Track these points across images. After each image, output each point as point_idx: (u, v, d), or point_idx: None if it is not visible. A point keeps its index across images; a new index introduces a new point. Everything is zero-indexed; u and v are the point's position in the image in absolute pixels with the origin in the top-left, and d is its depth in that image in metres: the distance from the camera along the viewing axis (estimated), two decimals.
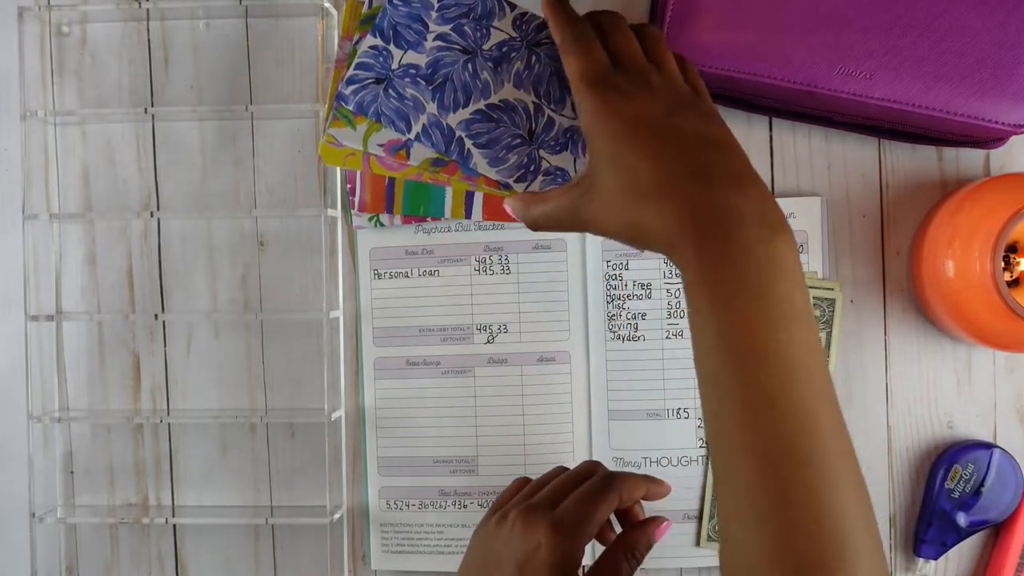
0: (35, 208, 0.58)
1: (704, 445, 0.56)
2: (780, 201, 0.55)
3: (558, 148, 0.50)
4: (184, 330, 0.59)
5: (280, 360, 0.58)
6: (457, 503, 0.57)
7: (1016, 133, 0.50)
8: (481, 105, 0.49)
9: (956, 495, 0.54)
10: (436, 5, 0.49)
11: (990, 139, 0.53)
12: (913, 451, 0.56)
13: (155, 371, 0.59)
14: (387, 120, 0.49)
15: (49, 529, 0.59)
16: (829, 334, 0.55)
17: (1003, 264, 0.50)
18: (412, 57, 0.49)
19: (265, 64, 0.58)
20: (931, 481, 0.55)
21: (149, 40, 0.58)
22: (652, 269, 0.56)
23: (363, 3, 0.51)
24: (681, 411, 0.56)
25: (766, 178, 0.56)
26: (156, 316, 0.58)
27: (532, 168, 0.50)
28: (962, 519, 0.54)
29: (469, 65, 0.49)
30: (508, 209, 0.49)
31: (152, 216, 0.58)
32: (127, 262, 0.59)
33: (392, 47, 0.49)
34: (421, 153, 0.51)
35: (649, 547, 0.49)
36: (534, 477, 0.52)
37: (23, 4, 0.57)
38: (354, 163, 0.52)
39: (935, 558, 0.55)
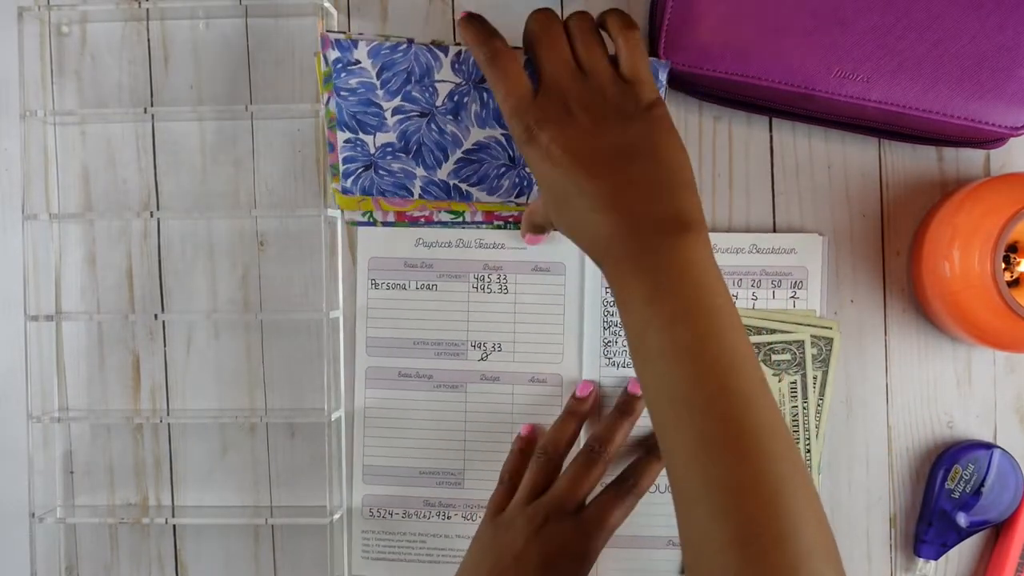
0: (35, 208, 0.58)
1: None
2: (781, 237, 0.55)
3: None
4: (184, 330, 0.59)
5: (280, 360, 0.58)
6: (441, 514, 0.57)
7: (1014, 135, 0.50)
8: (459, 154, 0.53)
9: (956, 495, 0.54)
10: (378, 83, 0.52)
11: (989, 140, 0.53)
12: (913, 451, 0.56)
13: (155, 371, 0.59)
14: (390, 193, 0.53)
15: (49, 529, 0.59)
16: (825, 373, 0.55)
17: (1003, 264, 0.51)
18: (383, 137, 0.52)
19: (265, 64, 0.58)
20: (931, 481, 0.55)
21: (149, 40, 0.58)
22: None
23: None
24: None
25: (766, 178, 0.56)
26: (156, 316, 0.58)
27: (525, 184, 0.53)
28: (962, 519, 0.54)
29: (432, 125, 0.52)
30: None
31: (152, 216, 0.58)
32: (127, 262, 0.59)
33: (362, 135, 0.52)
34: None
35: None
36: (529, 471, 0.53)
37: (23, 4, 0.57)
38: (367, 205, 0.56)
39: (935, 558, 0.55)
